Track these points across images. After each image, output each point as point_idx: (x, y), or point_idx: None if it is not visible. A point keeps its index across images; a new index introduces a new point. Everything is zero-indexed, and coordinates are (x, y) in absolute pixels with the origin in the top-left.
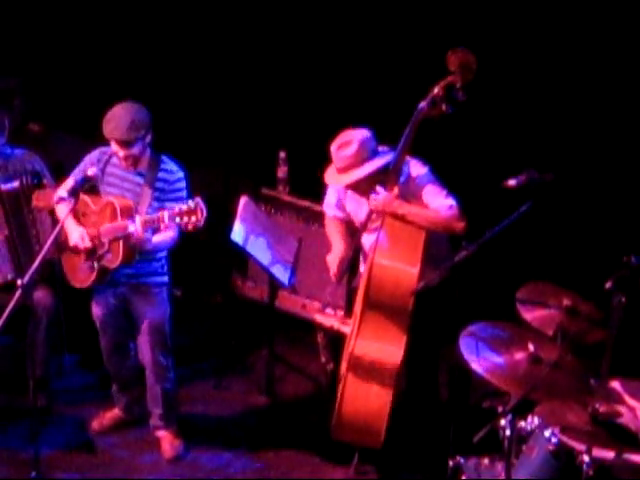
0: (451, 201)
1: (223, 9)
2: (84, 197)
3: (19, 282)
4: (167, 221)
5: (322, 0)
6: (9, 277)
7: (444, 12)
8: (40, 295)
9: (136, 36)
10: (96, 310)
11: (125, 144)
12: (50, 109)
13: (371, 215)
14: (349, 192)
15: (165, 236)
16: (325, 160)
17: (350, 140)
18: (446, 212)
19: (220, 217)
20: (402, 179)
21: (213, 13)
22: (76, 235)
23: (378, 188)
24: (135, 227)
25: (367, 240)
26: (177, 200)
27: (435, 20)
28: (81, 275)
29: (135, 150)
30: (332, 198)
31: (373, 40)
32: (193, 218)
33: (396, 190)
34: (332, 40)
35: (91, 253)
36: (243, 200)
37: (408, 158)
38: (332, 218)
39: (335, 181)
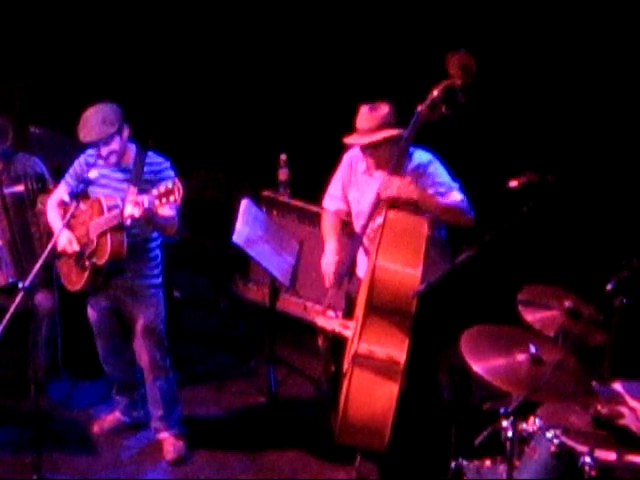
0: (461, 196)
1: (224, 13)
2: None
3: (20, 285)
4: (147, 204)
5: (323, 5)
6: (10, 280)
7: (442, 15)
8: (41, 298)
9: (138, 41)
10: (91, 313)
11: (101, 143)
12: (51, 113)
13: (378, 203)
14: (354, 178)
15: (165, 212)
16: (326, 163)
17: (381, 104)
18: (457, 205)
19: (221, 219)
20: (411, 168)
21: (214, 17)
22: (64, 239)
23: (387, 175)
24: (131, 211)
25: (368, 238)
26: None
27: (433, 23)
28: (74, 277)
29: (114, 145)
30: (337, 188)
31: (374, 43)
32: (171, 198)
33: (409, 178)
34: (332, 43)
35: (81, 254)
36: (244, 202)
37: (420, 151)
38: (332, 213)
39: (364, 139)
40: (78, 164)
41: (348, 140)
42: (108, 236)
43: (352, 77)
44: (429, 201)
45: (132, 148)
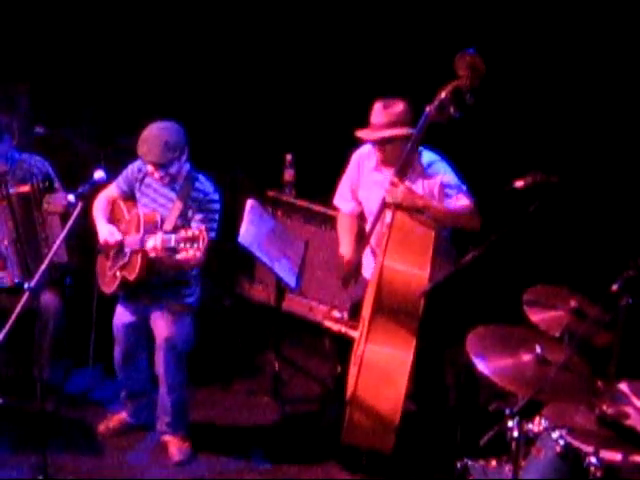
0: (468, 200)
1: (229, 13)
2: (121, 204)
3: (26, 285)
4: (173, 244)
5: (330, 6)
6: (16, 280)
7: (451, 16)
8: (47, 298)
9: (142, 41)
10: (116, 319)
11: (160, 166)
12: (56, 113)
13: (384, 207)
14: (362, 177)
15: (188, 255)
16: (331, 163)
17: (396, 101)
18: (463, 209)
19: (227, 220)
20: (419, 169)
21: (219, 17)
22: (105, 231)
23: (394, 179)
24: (155, 245)
25: (375, 239)
26: (203, 222)
27: (442, 24)
28: (107, 280)
29: (172, 170)
30: (346, 188)
31: (381, 44)
32: (195, 245)
33: (408, 183)
34: (339, 44)
35: (116, 260)
36: (250, 203)
37: (428, 152)
38: (347, 215)
39: (375, 134)
40: (131, 168)
41: (360, 134)
42: (139, 256)
43: (359, 77)
44: (433, 209)
45: (185, 168)
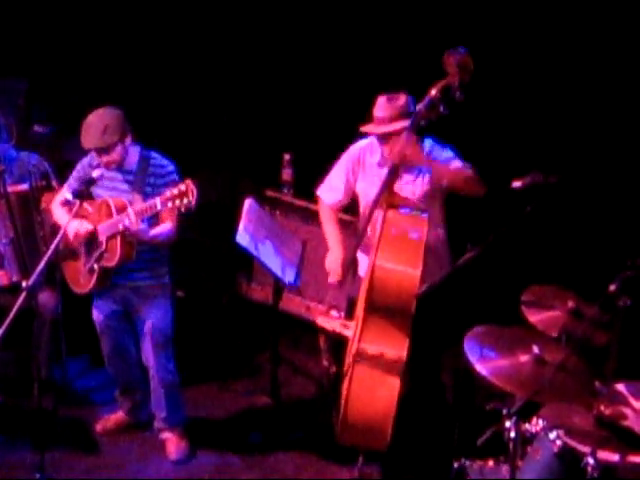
0: (471, 168)
1: (228, 11)
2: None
3: (24, 284)
4: (159, 206)
5: (325, 6)
6: (14, 278)
7: (442, 13)
8: (45, 297)
9: (142, 38)
10: (96, 314)
11: (102, 151)
12: (55, 110)
13: (384, 188)
14: (362, 170)
15: (163, 228)
16: (330, 163)
17: (399, 95)
18: (469, 171)
19: (225, 219)
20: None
21: (219, 16)
22: (74, 224)
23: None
24: (129, 219)
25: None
26: None
27: (433, 22)
28: (82, 279)
29: (115, 155)
30: (338, 180)
31: (376, 43)
32: (185, 200)
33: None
34: (336, 43)
35: (90, 254)
36: (248, 202)
37: (428, 141)
38: (328, 207)
39: (380, 128)
40: (81, 166)
41: (365, 129)
42: (118, 239)
43: (355, 77)
44: (440, 167)
45: (135, 150)
